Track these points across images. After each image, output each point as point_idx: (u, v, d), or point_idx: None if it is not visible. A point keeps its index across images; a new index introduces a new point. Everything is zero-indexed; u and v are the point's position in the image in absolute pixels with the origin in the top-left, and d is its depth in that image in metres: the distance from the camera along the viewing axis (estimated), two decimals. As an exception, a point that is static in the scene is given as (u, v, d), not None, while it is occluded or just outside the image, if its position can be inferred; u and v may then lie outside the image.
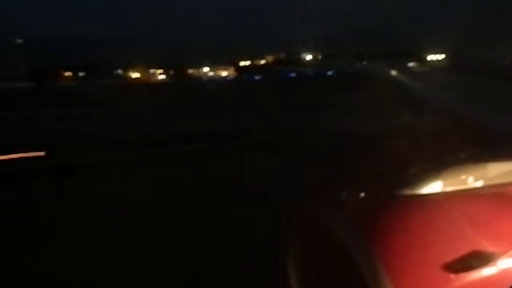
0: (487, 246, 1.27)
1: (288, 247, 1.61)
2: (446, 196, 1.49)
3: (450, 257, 1.26)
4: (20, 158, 8.38)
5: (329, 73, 35.87)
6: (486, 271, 1.25)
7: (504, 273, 1.25)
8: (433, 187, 1.51)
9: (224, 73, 46.96)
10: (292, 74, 40.54)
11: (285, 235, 1.65)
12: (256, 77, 40.77)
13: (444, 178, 1.52)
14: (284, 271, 1.62)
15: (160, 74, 45.96)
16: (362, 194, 1.67)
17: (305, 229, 1.59)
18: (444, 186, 1.52)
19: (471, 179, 1.54)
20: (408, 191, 1.51)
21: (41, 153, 8.73)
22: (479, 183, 1.54)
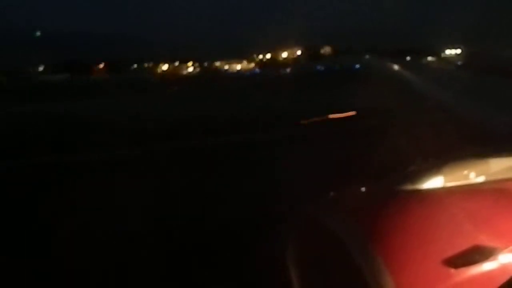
0: (487, 241, 1.27)
1: (288, 245, 1.61)
2: (447, 191, 1.48)
3: (450, 252, 1.26)
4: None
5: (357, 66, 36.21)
6: (486, 266, 1.25)
7: (504, 268, 1.25)
8: (434, 182, 1.51)
9: (238, 67, 47.36)
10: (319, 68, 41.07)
11: (285, 233, 1.64)
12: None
13: (445, 173, 1.52)
14: (285, 269, 1.62)
15: (189, 67, 46.87)
16: (362, 191, 1.66)
17: (304, 227, 1.58)
18: (445, 181, 1.51)
19: (472, 175, 1.53)
20: (408, 187, 1.50)
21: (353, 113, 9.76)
22: (480, 179, 1.53)
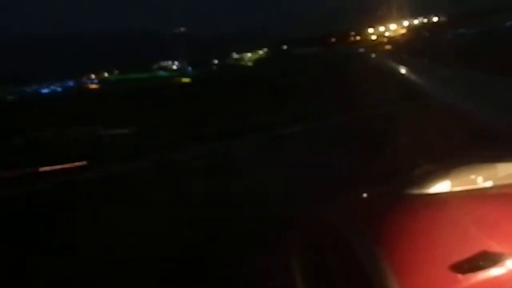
0: (495, 246, 1.26)
1: (295, 248, 1.60)
2: (455, 196, 1.47)
3: (458, 257, 1.25)
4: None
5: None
6: (494, 272, 1.24)
7: None
8: (442, 187, 1.50)
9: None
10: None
11: (291, 235, 1.64)
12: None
13: (452, 178, 1.51)
14: (290, 271, 1.61)
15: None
16: (369, 194, 1.65)
17: (311, 229, 1.58)
18: (453, 186, 1.50)
19: (480, 180, 1.52)
20: (416, 191, 1.49)
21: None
22: (488, 184, 1.52)
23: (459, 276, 1.23)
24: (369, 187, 1.68)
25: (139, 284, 4.03)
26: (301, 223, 1.63)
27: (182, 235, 4.75)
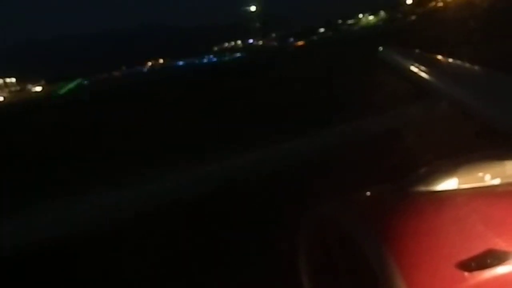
0: (502, 244, 1.26)
1: (300, 247, 1.60)
2: (462, 193, 1.46)
3: (464, 255, 1.24)
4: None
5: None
6: (501, 270, 1.24)
7: None
8: (449, 184, 1.49)
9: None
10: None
11: (296, 233, 1.64)
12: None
13: (460, 175, 1.50)
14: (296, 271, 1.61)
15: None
16: (375, 192, 1.65)
17: (317, 227, 1.57)
18: (459, 183, 1.49)
19: (488, 177, 1.51)
20: (422, 188, 1.49)
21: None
22: (496, 181, 1.51)
23: (466, 274, 1.22)
24: (376, 184, 1.67)
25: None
26: (307, 221, 1.63)
27: (183, 233, 4.77)
